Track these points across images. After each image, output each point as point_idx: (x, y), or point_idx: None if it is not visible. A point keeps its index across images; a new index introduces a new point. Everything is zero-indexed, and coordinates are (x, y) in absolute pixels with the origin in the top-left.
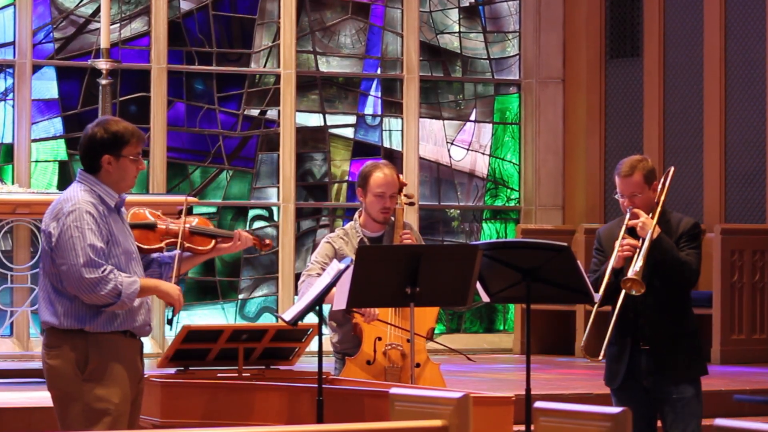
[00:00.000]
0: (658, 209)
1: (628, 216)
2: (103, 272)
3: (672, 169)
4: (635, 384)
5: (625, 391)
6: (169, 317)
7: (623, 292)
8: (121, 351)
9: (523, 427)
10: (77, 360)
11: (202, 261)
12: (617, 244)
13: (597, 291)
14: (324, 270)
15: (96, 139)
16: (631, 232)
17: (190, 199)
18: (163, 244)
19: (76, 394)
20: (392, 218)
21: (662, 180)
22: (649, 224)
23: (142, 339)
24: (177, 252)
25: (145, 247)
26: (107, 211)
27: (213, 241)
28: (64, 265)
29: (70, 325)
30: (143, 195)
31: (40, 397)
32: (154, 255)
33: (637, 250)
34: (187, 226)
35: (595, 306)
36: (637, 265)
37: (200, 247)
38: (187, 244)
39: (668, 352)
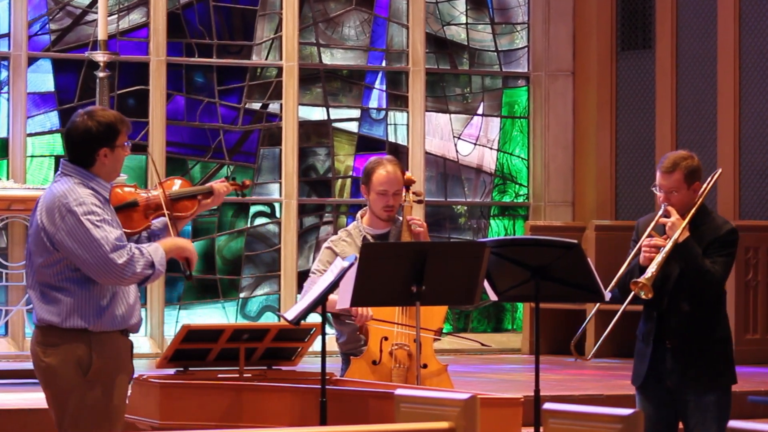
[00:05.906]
0: (692, 211)
1: (660, 212)
2: (130, 251)
3: (719, 171)
4: (658, 384)
5: (647, 390)
6: (187, 273)
7: (632, 293)
8: (121, 350)
9: (531, 429)
10: (79, 359)
11: (190, 219)
12: (641, 241)
13: (626, 286)
14: None
15: (92, 132)
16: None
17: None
18: (149, 221)
19: (76, 393)
20: (399, 217)
21: (707, 182)
22: (678, 225)
23: (131, 336)
24: (165, 219)
25: (132, 231)
26: (104, 202)
27: (196, 202)
28: (90, 258)
29: (74, 324)
30: None
31: (35, 398)
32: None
33: (660, 250)
34: (167, 192)
35: (621, 308)
36: (651, 269)
37: (186, 213)
38: (174, 213)
39: (694, 355)
